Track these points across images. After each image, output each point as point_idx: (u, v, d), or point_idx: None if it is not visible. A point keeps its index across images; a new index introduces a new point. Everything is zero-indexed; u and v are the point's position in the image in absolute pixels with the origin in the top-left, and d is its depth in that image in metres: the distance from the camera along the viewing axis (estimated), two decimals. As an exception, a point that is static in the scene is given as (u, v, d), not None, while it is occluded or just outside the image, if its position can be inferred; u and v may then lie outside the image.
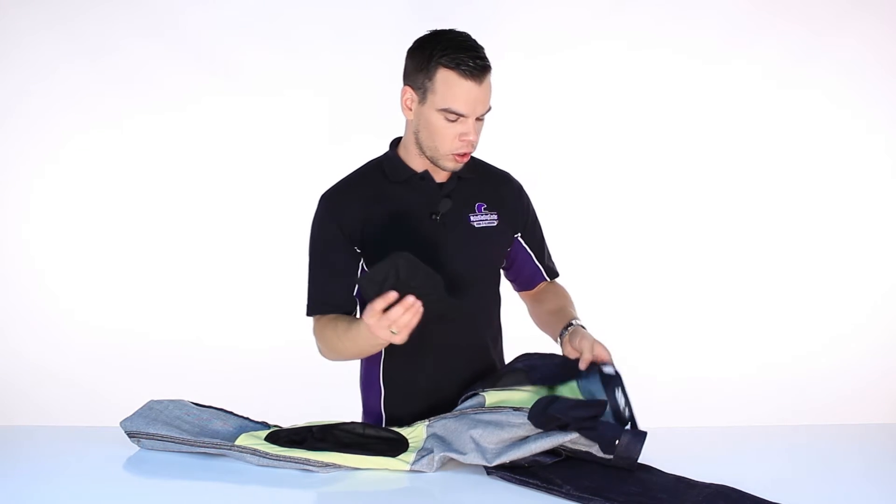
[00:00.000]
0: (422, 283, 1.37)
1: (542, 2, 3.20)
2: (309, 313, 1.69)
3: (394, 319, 1.35)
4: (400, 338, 1.38)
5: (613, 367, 1.47)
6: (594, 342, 1.50)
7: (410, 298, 1.35)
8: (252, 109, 3.20)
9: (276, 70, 3.18)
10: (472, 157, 1.76)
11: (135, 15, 3.10)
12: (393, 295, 1.35)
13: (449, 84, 1.53)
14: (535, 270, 1.81)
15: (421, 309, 1.36)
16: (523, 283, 1.84)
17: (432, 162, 1.63)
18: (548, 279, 1.82)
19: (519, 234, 1.77)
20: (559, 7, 3.20)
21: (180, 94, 3.17)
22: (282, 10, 3.16)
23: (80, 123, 3.17)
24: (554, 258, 1.87)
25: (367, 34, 3.15)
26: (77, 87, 3.13)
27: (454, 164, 1.61)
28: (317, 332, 1.67)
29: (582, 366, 1.48)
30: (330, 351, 1.65)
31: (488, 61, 1.55)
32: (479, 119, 1.58)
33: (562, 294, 1.80)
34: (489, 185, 1.74)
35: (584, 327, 1.59)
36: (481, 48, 1.56)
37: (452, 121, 1.55)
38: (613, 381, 1.46)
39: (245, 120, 3.21)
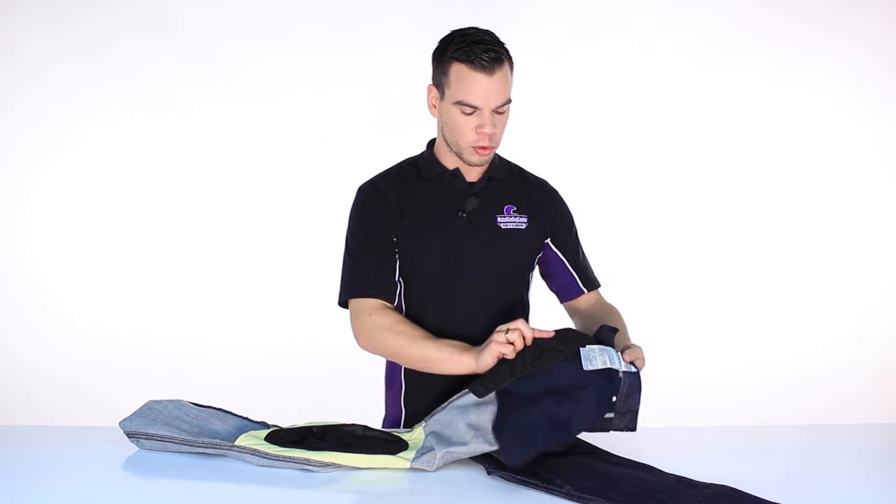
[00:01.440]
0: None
1: (548, 1, 3.20)
2: (349, 296, 1.65)
3: (520, 328, 1.40)
4: (492, 355, 1.41)
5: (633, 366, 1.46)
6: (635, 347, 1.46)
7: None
8: (252, 109, 3.21)
9: (276, 70, 3.18)
10: (510, 163, 1.79)
11: (134, 15, 3.10)
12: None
13: (461, 77, 1.56)
14: (571, 278, 1.79)
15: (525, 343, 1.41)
16: (563, 292, 1.81)
17: (459, 157, 1.65)
18: (585, 290, 1.79)
19: (549, 239, 1.76)
20: (565, 7, 3.20)
21: (180, 94, 3.18)
22: (281, 10, 3.16)
23: (80, 123, 3.17)
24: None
25: (366, 33, 3.15)
26: (77, 87, 3.13)
27: (478, 158, 1.62)
28: (367, 322, 1.61)
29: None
30: (378, 346, 1.61)
31: (503, 54, 1.56)
32: (500, 112, 1.59)
33: (616, 316, 1.75)
34: (522, 189, 1.75)
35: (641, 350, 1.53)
36: (498, 42, 1.57)
37: (468, 114, 1.58)
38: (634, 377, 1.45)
39: (245, 121, 3.21)
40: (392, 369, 1.77)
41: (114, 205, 3.21)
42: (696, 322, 3.26)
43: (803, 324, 3.30)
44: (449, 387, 1.62)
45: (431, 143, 1.75)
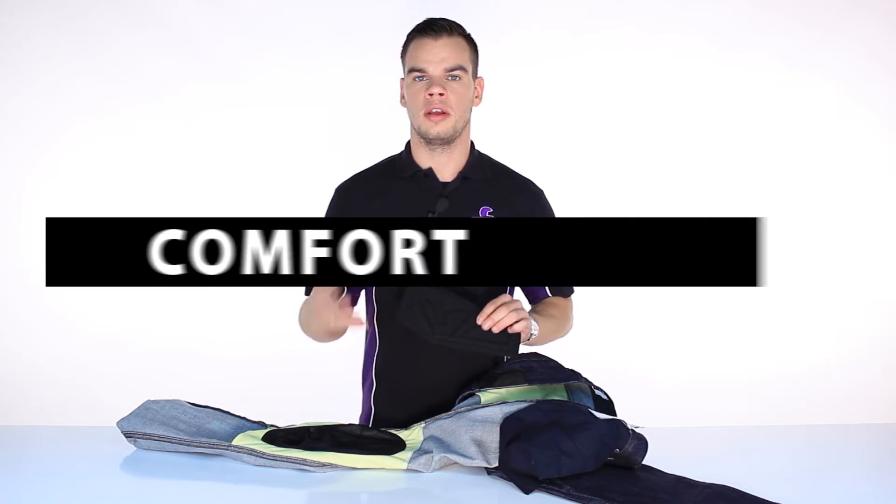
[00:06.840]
0: (454, 303, 1.48)
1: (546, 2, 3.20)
2: (306, 293, 1.76)
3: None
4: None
5: (606, 393, 1.47)
6: (518, 310, 1.46)
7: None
8: (251, 110, 3.20)
9: (276, 70, 3.17)
10: (492, 161, 1.73)
11: (134, 15, 3.10)
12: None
13: (412, 49, 1.60)
14: (542, 288, 1.75)
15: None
16: (530, 295, 1.78)
17: (420, 136, 1.62)
18: (550, 294, 1.75)
19: None
20: (559, 5, 3.19)
21: (179, 94, 3.16)
22: (282, 10, 3.16)
23: (79, 123, 3.16)
24: None
25: (367, 34, 3.14)
26: (76, 86, 3.12)
27: (433, 128, 1.58)
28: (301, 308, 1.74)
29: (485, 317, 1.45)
30: (300, 324, 1.73)
31: (455, 28, 1.59)
32: (453, 79, 1.57)
33: (559, 306, 1.73)
34: (501, 189, 1.69)
35: (534, 322, 1.53)
36: (453, 22, 1.61)
37: (419, 80, 1.58)
38: (606, 406, 1.45)
39: (243, 121, 3.20)
40: (365, 367, 1.76)
41: (113, 205, 3.20)
42: (697, 322, 3.25)
43: (803, 323, 3.29)
44: (417, 389, 1.63)
45: (409, 143, 1.72)
